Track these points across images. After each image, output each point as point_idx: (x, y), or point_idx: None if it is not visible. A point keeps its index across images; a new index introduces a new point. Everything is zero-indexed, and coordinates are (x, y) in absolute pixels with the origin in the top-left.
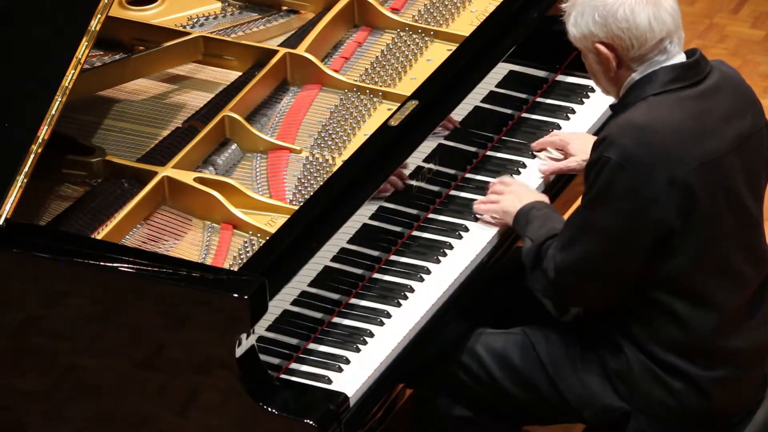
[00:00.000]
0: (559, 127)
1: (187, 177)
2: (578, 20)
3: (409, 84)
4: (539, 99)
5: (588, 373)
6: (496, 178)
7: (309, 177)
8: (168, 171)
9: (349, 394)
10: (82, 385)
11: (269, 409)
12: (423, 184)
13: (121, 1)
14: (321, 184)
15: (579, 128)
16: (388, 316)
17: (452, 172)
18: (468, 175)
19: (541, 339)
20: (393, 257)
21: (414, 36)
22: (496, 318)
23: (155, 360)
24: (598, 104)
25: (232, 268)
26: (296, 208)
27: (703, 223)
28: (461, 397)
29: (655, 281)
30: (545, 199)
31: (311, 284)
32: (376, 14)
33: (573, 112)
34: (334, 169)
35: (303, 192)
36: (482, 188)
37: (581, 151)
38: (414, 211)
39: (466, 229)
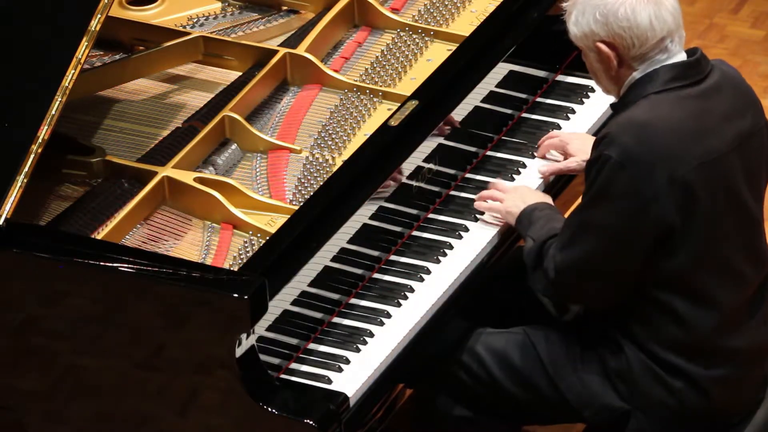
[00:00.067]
0: (559, 127)
1: (187, 177)
2: (579, 19)
3: (409, 84)
4: (539, 99)
5: (588, 373)
6: (496, 180)
7: (309, 177)
8: (168, 171)
9: (349, 394)
10: (82, 385)
11: (269, 409)
12: (423, 184)
13: (121, 1)
14: (321, 184)
15: (579, 128)
16: (388, 316)
17: (452, 172)
18: (468, 175)
19: (542, 338)
20: (393, 257)
21: (414, 36)
22: (497, 318)
23: (155, 360)
24: (598, 104)
25: (232, 268)
26: (296, 208)
27: (703, 222)
28: (461, 397)
29: (656, 280)
30: (549, 200)
31: (311, 284)
32: (376, 14)
33: (573, 112)
34: (334, 169)
35: (303, 192)
36: (482, 188)
37: (581, 151)
38: (414, 211)
39: (466, 229)
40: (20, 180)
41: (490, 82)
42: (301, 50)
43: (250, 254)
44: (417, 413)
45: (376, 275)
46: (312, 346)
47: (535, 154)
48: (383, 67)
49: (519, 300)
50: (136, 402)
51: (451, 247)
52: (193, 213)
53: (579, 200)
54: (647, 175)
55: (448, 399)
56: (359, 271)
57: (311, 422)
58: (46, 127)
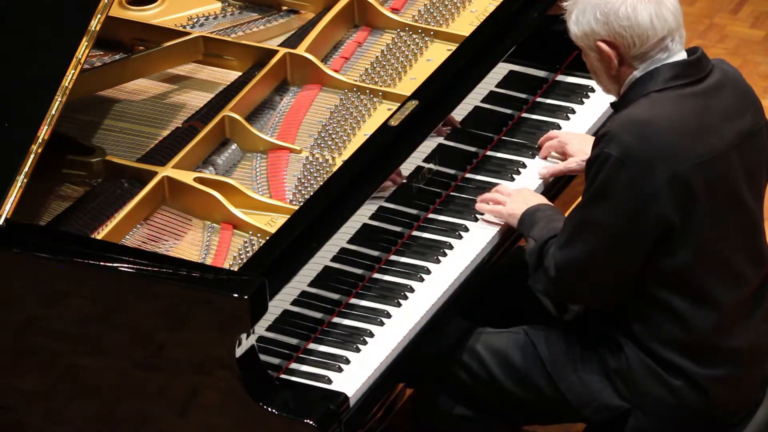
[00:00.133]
0: (559, 127)
1: (187, 177)
2: (580, 18)
3: (409, 84)
4: (539, 99)
5: (588, 372)
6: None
7: (309, 177)
8: (168, 171)
9: (349, 394)
10: (82, 385)
11: (269, 409)
12: (423, 185)
13: (121, 1)
14: (321, 184)
15: (579, 128)
16: (388, 316)
17: (452, 172)
18: (468, 175)
19: (542, 338)
20: (393, 257)
21: (414, 36)
22: (497, 317)
23: (155, 360)
24: (598, 104)
25: (232, 268)
26: (296, 208)
27: (703, 221)
28: (461, 397)
29: (655, 279)
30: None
31: (311, 284)
32: (376, 14)
33: (573, 112)
34: (334, 169)
35: (303, 192)
36: (482, 188)
37: (580, 151)
38: (414, 211)
39: (466, 229)
40: (20, 180)
41: (490, 82)
42: (301, 50)
43: (250, 254)
44: (417, 413)
45: (376, 275)
46: (312, 346)
47: (537, 155)
48: (383, 67)
49: (519, 300)
50: (136, 402)
51: (451, 247)
52: (193, 213)
53: (579, 199)
54: (647, 173)
55: (448, 399)
56: (359, 271)
57: (311, 422)
58: (46, 127)
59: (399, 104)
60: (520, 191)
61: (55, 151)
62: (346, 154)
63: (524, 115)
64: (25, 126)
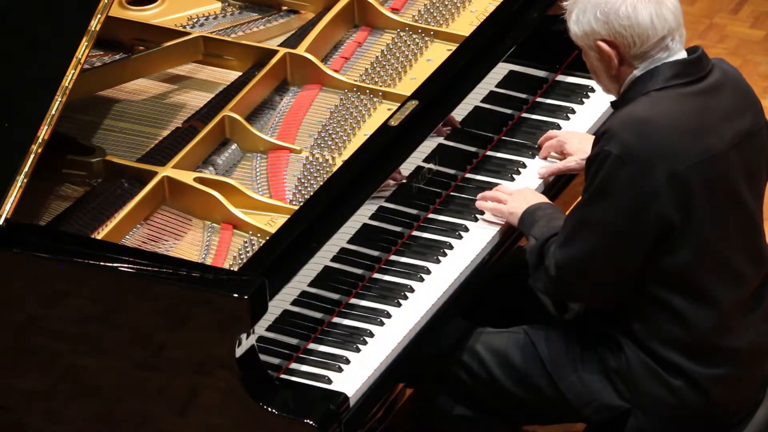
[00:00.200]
0: (559, 127)
1: (187, 177)
2: (580, 18)
3: (409, 84)
4: (539, 99)
5: (588, 372)
6: (497, 185)
7: (309, 177)
8: (168, 171)
9: (349, 394)
10: (82, 385)
11: (269, 409)
12: (423, 185)
13: (121, 1)
14: (321, 184)
15: (579, 128)
16: (388, 316)
17: (452, 172)
18: (468, 175)
19: (542, 338)
20: (393, 257)
21: (414, 36)
22: (497, 317)
23: (155, 360)
24: (598, 104)
25: (232, 268)
26: (296, 208)
27: (702, 220)
28: (461, 397)
29: (656, 278)
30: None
31: (311, 284)
32: (376, 14)
33: (573, 112)
34: (334, 169)
35: (303, 192)
36: (482, 188)
37: (579, 150)
38: (414, 211)
39: (466, 229)
40: (20, 180)
41: (490, 82)
42: (301, 50)
43: (250, 254)
44: (417, 413)
45: (376, 275)
46: (312, 346)
47: (537, 155)
48: (383, 67)
49: (519, 300)
50: (136, 402)
51: (451, 247)
52: (193, 213)
53: (580, 198)
54: (647, 171)
55: (448, 399)
56: (359, 271)
57: (311, 422)
58: (46, 127)
59: (399, 104)
60: (521, 190)
61: (55, 151)
62: (346, 154)
63: (524, 115)
64: (25, 126)
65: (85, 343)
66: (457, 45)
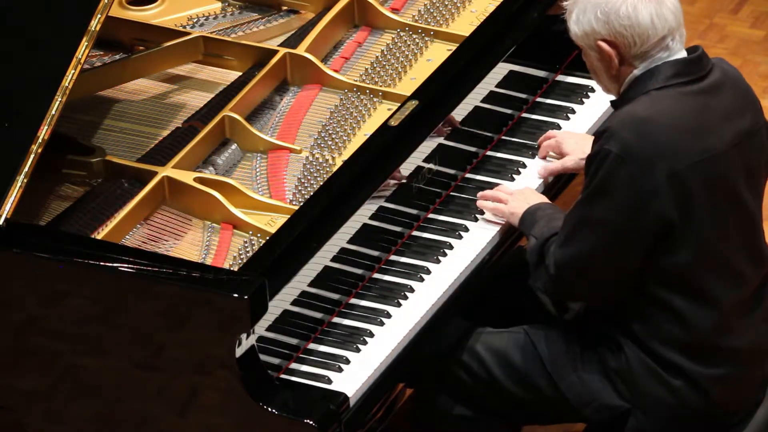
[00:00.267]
0: (559, 127)
1: (187, 177)
2: (580, 18)
3: (409, 84)
4: (539, 99)
5: (588, 372)
6: (497, 185)
7: (309, 177)
8: (168, 171)
9: (349, 394)
10: (82, 385)
11: (269, 409)
12: (423, 185)
13: (121, 1)
14: (321, 184)
15: (579, 128)
16: (388, 316)
17: (452, 172)
18: (468, 175)
19: (542, 338)
20: (393, 257)
21: (414, 36)
22: (497, 317)
23: (155, 360)
24: (598, 104)
25: (232, 268)
26: (296, 208)
27: (702, 220)
28: (461, 397)
29: (655, 278)
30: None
31: (311, 284)
32: (376, 14)
33: (573, 112)
34: (334, 169)
35: (303, 192)
36: (482, 188)
37: (577, 149)
38: (414, 211)
39: (466, 229)
40: (20, 180)
41: (490, 82)
42: (301, 50)
43: (250, 254)
44: (417, 413)
45: (376, 275)
46: (312, 346)
47: (537, 155)
48: (383, 67)
49: (519, 300)
50: (136, 402)
51: (451, 247)
52: (193, 213)
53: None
54: (647, 170)
55: (448, 399)
56: (359, 271)
57: (311, 422)
58: (46, 127)
59: (399, 104)
60: (521, 190)
61: (55, 151)
62: (346, 154)
63: (524, 115)
64: (25, 126)
65: (85, 343)
66: (457, 45)
